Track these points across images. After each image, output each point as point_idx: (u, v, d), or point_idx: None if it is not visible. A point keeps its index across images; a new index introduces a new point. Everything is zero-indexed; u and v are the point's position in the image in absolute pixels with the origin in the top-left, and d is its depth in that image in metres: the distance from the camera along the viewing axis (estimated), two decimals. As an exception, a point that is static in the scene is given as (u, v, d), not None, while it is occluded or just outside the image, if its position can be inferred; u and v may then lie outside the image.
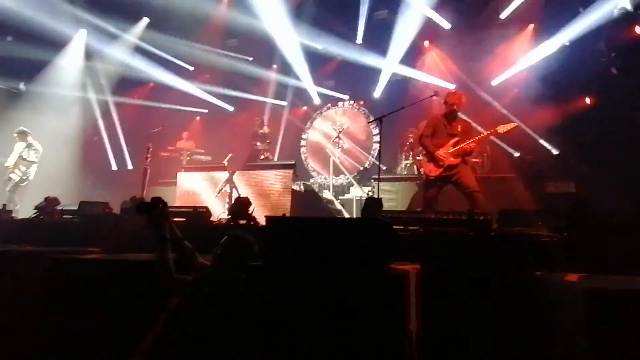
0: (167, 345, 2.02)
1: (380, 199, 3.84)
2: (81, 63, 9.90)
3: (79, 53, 9.83)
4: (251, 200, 4.36)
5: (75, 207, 4.93)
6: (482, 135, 5.02)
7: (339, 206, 7.77)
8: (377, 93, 9.79)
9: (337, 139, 9.66)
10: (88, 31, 9.70)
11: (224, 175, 6.71)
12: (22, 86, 8.87)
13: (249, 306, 2.05)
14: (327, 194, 8.42)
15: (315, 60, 10.22)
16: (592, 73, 7.19)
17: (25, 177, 7.38)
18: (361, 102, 10.34)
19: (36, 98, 9.25)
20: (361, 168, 9.57)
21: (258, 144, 8.45)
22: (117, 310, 2.36)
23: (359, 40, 9.76)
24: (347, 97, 10.51)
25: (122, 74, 10.23)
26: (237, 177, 6.62)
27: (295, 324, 1.97)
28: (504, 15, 8.30)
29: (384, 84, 9.68)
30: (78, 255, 2.97)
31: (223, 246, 2.32)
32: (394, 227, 2.77)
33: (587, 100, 7.42)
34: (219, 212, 6.26)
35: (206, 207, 4.51)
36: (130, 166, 10.25)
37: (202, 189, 6.90)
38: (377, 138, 9.47)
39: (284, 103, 10.96)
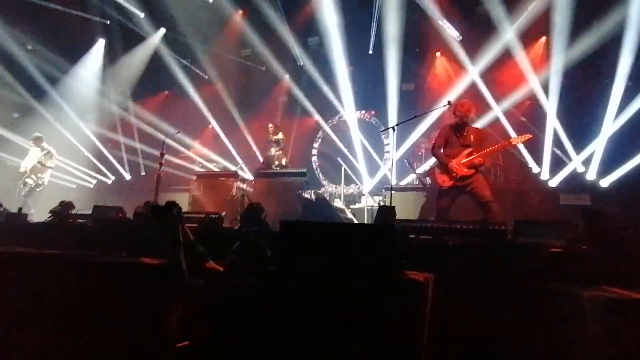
0: (180, 349, 2.02)
1: (394, 207, 3.81)
2: (99, 72, 10.12)
3: (98, 62, 10.06)
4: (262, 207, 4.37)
5: (90, 212, 4.99)
6: (496, 146, 4.97)
7: (350, 215, 7.75)
8: (389, 103, 9.79)
9: (348, 149, 9.68)
10: (106, 40, 9.96)
11: (236, 182, 6.74)
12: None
13: (261, 311, 2.04)
14: (338, 203, 8.40)
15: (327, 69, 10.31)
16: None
17: (40, 182, 7.52)
18: (372, 112, 10.35)
19: (54, 106, 9.45)
20: (372, 177, 9.55)
21: (273, 150, 8.30)
22: (130, 313, 2.37)
23: (371, 50, 9.82)
24: (358, 106, 10.54)
25: (139, 82, 10.41)
26: (249, 185, 6.65)
27: (308, 330, 1.95)
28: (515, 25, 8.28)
29: (395, 94, 9.68)
30: (92, 259, 3.00)
31: (236, 251, 2.32)
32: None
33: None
34: (231, 218, 6.28)
35: (218, 213, 4.53)
36: (143, 172, 10.36)
37: (214, 196, 6.94)
38: (388, 148, 9.46)
39: (296, 112, 11.02)
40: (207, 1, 9.62)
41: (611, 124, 7.13)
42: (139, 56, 10.23)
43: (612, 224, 3.18)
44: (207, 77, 11.13)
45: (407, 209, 6.65)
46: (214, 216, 4.45)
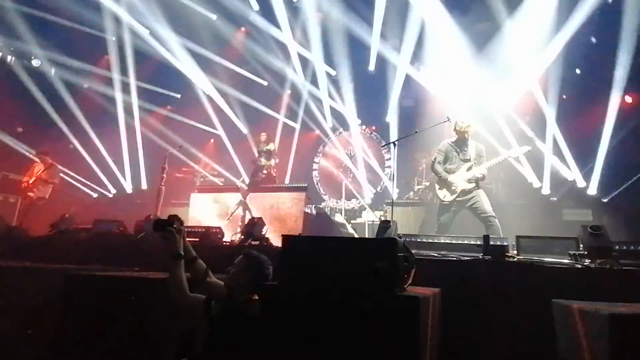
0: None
1: (395, 221, 3.81)
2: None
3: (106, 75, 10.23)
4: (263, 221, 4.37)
5: (90, 226, 4.99)
6: (496, 160, 4.99)
7: (351, 230, 7.72)
8: (389, 118, 9.86)
9: (348, 164, 9.71)
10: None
11: (237, 196, 6.75)
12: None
13: (262, 326, 2.02)
14: (339, 218, 8.39)
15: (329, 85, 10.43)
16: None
17: (42, 196, 7.53)
18: (373, 127, 10.43)
19: (62, 120, 9.56)
20: (373, 192, 9.55)
21: (262, 160, 8.09)
22: (130, 327, 2.35)
23: (372, 67, 9.94)
24: (359, 122, 10.62)
25: (144, 95, 10.53)
26: (250, 199, 6.65)
27: (309, 346, 1.93)
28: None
29: (395, 110, 9.76)
30: (92, 273, 2.99)
31: (237, 265, 2.31)
32: (409, 250, 2.74)
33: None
34: (232, 232, 6.27)
35: (219, 228, 4.53)
36: (144, 186, 10.38)
37: (215, 210, 6.94)
38: (389, 162, 9.49)
39: (297, 126, 11.10)
40: (211, 18, 9.81)
41: (610, 138, 7.15)
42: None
43: (613, 239, 3.17)
44: (209, 92, 11.25)
45: (408, 224, 6.65)
46: (215, 230, 4.45)
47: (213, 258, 2.64)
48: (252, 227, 4.19)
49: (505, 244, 3.35)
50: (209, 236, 4.36)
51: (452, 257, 3.29)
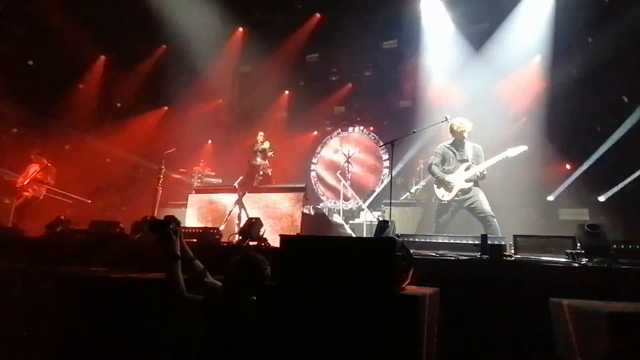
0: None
1: (394, 221, 3.81)
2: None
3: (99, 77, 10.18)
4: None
5: (87, 227, 4.95)
6: (493, 159, 4.99)
7: (349, 230, 7.71)
8: (387, 119, 9.88)
9: (346, 164, 9.69)
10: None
11: (235, 197, 6.72)
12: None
13: (260, 327, 2.01)
14: (337, 218, 8.37)
15: (328, 85, 10.42)
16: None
17: (37, 196, 7.49)
18: (371, 128, 10.43)
19: (57, 121, 9.50)
20: (371, 192, 9.55)
21: (258, 159, 7.95)
22: (127, 328, 2.33)
23: (370, 66, 9.95)
24: (357, 122, 10.63)
25: (139, 97, 10.49)
26: (247, 199, 6.62)
27: (306, 346, 1.92)
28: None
29: (395, 111, 9.78)
30: (89, 274, 2.97)
31: (235, 266, 2.30)
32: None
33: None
34: (230, 233, 6.25)
35: (216, 228, 4.51)
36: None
37: (212, 211, 6.92)
38: (387, 163, 9.50)
39: (295, 127, 11.08)
40: (209, 17, 9.78)
41: (605, 137, 7.19)
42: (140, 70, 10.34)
43: (610, 238, 3.17)
44: (207, 93, 11.21)
45: (406, 224, 6.65)
46: (212, 231, 4.43)
47: (210, 259, 2.62)
48: (250, 227, 4.17)
49: (503, 243, 3.36)
50: (206, 237, 4.33)
51: (450, 256, 3.28)
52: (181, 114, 10.79)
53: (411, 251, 2.30)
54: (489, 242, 3.27)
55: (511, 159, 4.83)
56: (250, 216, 6.19)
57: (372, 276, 1.99)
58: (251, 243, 4.01)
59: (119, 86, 10.29)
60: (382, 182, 9.66)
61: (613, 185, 6.84)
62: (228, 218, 6.64)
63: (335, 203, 9.46)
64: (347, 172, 9.57)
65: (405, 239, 3.56)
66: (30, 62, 9.32)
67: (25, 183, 7.42)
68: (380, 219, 7.48)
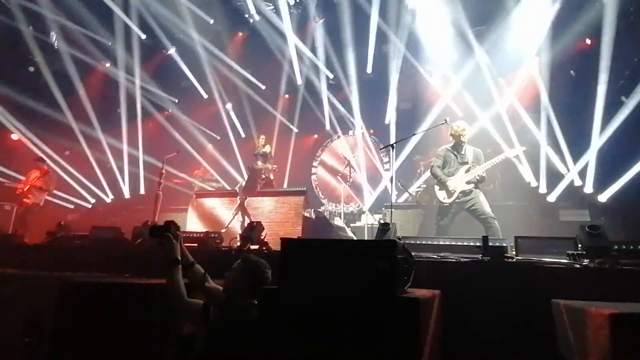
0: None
1: (394, 224, 3.81)
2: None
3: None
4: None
5: (87, 232, 4.96)
6: (492, 161, 5.00)
7: (350, 233, 7.69)
8: (387, 121, 9.88)
9: (347, 167, 9.69)
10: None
11: (236, 201, 6.73)
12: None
13: (261, 331, 2.01)
14: (338, 221, 8.37)
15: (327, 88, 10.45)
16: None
17: (37, 202, 7.50)
18: (371, 131, 10.44)
19: (59, 127, 9.54)
20: (372, 195, 9.55)
21: (259, 163, 7.85)
22: (128, 334, 2.32)
23: (369, 70, 9.97)
24: (357, 125, 10.64)
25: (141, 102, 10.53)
26: (249, 204, 6.63)
27: (307, 350, 1.92)
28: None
29: (394, 113, 9.78)
30: (90, 280, 2.97)
31: (236, 270, 2.30)
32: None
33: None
34: (230, 237, 6.25)
35: (218, 232, 4.51)
36: (142, 191, 10.34)
37: (213, 215, 6.92)
38: (387, 166, 9.50)
39: (295, 130, 11.11)
40: (208, 22, 9.84)
41: (599, 136, 7.18)
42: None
43: (611, 239, 3.16)
44: (207, 96, 11.23)
45: (407, 226, 6.64)
46: (213, 235, 4.43)
47: (211, 263, 2.62)
48: (251, 231, 4.16)
49: (504, 244, 3.34)
50: (207, 241, 4.33)
51: (452, 258, 3.28)
52: (182, 118, 10.82)
53: (412, 253, 2.30)
54: (490, 244, 3.26)
55: (511, 159, 4.84)
56: (251, 220, 6.20)
57: (374, 279, 1.99)
58: (252, 247, 4.01)
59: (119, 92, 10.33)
60: (382, 184, 9.65)
61: (612, 184, 6.82)
62: (229, 225, 6.63)
63: (336, 206, 9.46)
64: (347, 175, 9.57)
65: (406, 242, 3.56)
66: (31, 69, 9.38)
67: (25, 189, 7.43)
68: (382, 221, 7.48)
